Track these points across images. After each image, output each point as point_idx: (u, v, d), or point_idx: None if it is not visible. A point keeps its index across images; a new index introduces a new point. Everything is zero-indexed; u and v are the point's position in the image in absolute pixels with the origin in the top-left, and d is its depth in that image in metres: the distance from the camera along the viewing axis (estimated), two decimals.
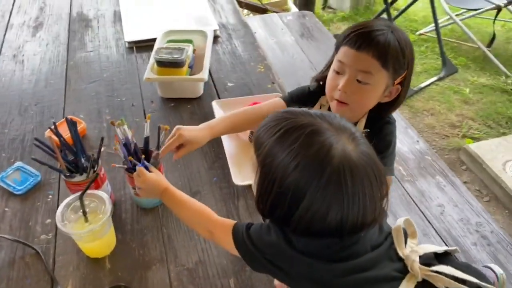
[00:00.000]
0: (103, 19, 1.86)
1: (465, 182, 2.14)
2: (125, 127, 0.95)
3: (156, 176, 0.92)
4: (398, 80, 0.96)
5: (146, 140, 1.00)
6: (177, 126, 1.02)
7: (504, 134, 2.44)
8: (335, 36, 2.74)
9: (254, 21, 2.80)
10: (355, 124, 1.07)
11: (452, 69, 2.98)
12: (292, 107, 1.16)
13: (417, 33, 3.44)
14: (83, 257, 0.94)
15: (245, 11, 3.41)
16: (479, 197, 2.12)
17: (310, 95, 1.14)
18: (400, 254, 0.74)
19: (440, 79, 2.91)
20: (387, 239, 0.75)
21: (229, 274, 0.90)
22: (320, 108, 1.21)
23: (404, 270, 0.71)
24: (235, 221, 0.80)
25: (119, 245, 0.97)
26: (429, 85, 2.86)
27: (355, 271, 0.68)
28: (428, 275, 0.70)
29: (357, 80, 0.93)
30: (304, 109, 0.71)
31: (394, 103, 1.01)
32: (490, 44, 3.17)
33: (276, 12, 3.06)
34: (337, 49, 1.00)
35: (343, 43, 0.96)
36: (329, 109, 1.07)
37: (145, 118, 1.31)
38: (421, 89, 2.81)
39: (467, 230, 1.10)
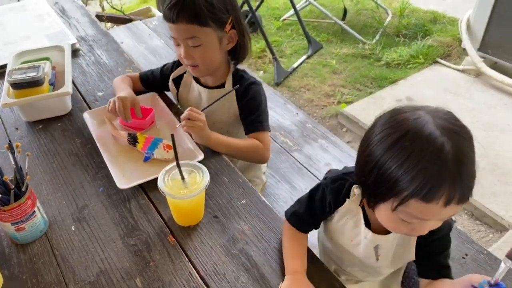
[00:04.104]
0: None
1: (348, 142, 2.34)
2: None
3: None
4: (228, 27, 1.08)
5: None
6: (118, 96, 1.15)
7: (371, 93, 2.73)
8: None
9: (120, 32, 2.72)
10: (223, 84, 1.18)
11: (317, 46, 3.24)
12: (145, 87, 1.34)
13: (281, 19, 3.66)
14: None
15: (109, 24, 3.30)
16: None
17: (162, 80, 1.30)
18: None
19: (308, 57, 3.14)
20: None
21: (134, 274, 0.88)
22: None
23: None
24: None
25: (7, 282, 0.88)
26: (300, 64, 3.06)
27: None
28: None
29: (191, 46, 1.07)
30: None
31: (242, 46, 1.15)
32: (343, 17, 3.51)
33: (141, 20, 3.01)
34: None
35: (164, 20, 1.09)
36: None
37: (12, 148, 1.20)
38: (294, 69, 3.00)
39: None
